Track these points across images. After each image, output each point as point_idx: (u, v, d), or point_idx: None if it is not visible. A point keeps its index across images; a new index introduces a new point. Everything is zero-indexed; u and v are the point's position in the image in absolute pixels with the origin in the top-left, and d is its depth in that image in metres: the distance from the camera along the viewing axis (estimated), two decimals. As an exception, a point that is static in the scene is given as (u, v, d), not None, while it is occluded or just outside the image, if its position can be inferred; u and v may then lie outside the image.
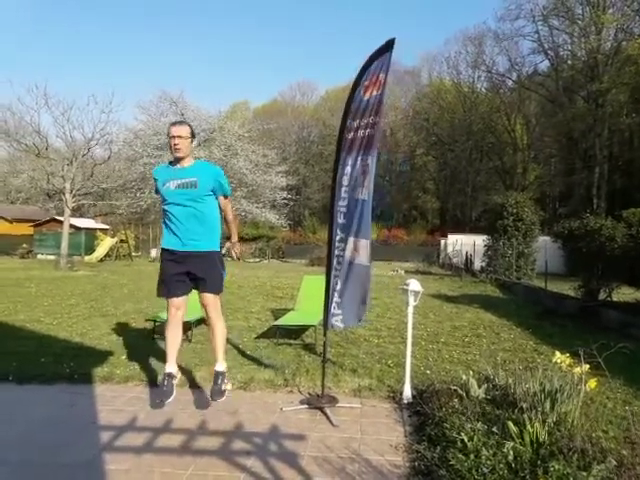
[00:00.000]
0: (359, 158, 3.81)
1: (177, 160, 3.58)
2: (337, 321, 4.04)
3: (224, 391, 3.47)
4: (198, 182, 3.51)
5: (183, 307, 3.64)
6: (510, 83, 42.66)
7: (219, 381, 3.52)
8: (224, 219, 3.84)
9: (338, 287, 3.96)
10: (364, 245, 3.82)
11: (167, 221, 3.60)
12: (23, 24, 76.47)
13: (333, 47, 79.15)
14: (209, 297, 3.63)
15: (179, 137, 3.49)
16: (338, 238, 3.94)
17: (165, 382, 3.54)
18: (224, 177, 3.69)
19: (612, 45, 32.43)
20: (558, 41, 36.91)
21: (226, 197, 3.79)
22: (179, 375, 3.65)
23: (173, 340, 3.64)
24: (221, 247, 3.77)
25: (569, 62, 36.50)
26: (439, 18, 73.84)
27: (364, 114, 3.78)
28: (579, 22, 33.74)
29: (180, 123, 3.67)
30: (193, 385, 4.26)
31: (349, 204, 3.87)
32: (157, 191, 3.69)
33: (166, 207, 3.58)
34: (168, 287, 3.60)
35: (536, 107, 42.00)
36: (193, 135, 3.63)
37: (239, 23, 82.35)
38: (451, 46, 48.16)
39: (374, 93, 3.73)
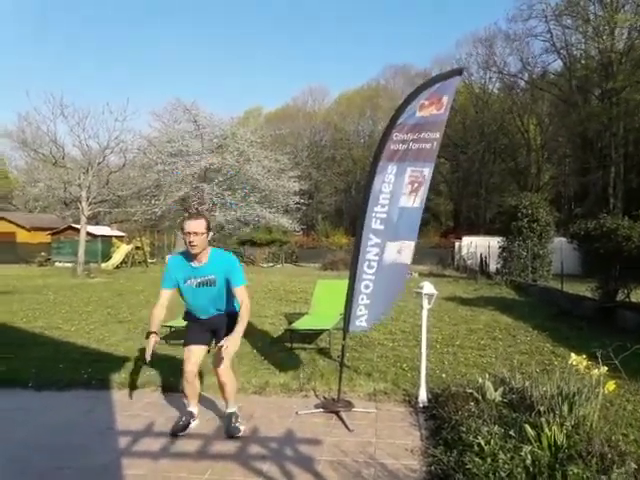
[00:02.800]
0: (408, 168, 3.95)
1: (193, 255, 3.47)
2: (361, 322, 4.08)
3: (239, 429, 3.45)
4: (216, 280, 3.49)
5: (200, 359, 3.57)
6: (522, 83, 42.33)
7: (232, 421, 3.48)
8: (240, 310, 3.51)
9: (368, 290, 4.01)
10: (408, 246, 4.04)
11: (189, 306, 3.67)
12: (37, 33, 77.94)
13: (345, 52, 79.30)
14: (222, 352, 3.34)
15: (195, 234, 3.36)
16: (372, 243, 3.98)
17: (183, 418, 3.53)
18: (238, 269, 3.55)
19: (625, 44, 32.02)
20: (571, 40, 36.56)
21: (240, 287, 3.54)
22: (197, 421, 3.61)
23: (192, 392, 3.62)
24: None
25: (582, 61, 36.10)
26: (450, 20, 73.59)
27: (421, 129, 3.94)
28: (592, 22, 33.39)
29: (195, 217, 3.50)
30: (207, 390, 4.29)
31: (391, 211, 3.96)
32: (167, 281, 3.57)
33: (188, 300, 3.62)
34: (191, 339, 3.61)
35: (549, 107, 41.55)
36: (209, 229, 3.49)
37: (251, 30, 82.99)
38: (462, 48, 47.80)
39: (434, 112, 3.93)
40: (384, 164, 3.97)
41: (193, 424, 3.54)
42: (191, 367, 3.48)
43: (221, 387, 3.55)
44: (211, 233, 3.55)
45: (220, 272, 3.51)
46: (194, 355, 3.51)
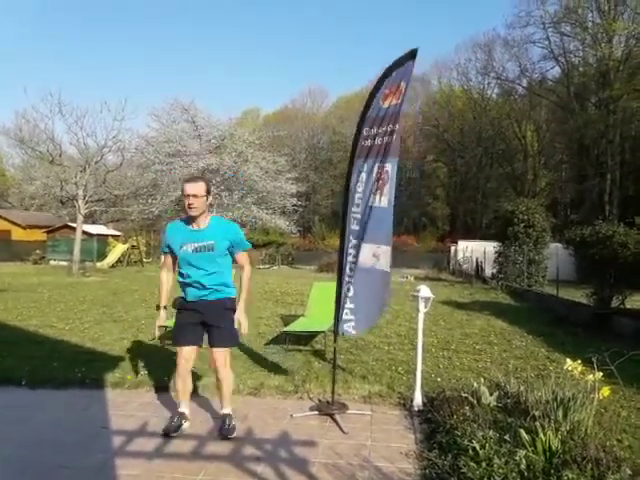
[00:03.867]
0: (376, 165, 3.82)
1: (192, 218, 3.41)
2: (349, 327, 4.02)
3: (234, 430, 3.43)
4: (215, 245, 3.39)
5: (192, 360, 3.53)
6: (520, 89, 42.54)
7: (227, 422, 3.46)
8: (241, 275, 3.57)
9: (350, 293, 3.94)
10: (384, 251, 3.83)
11: (183, 277, 3.51)
12: (37, 32, 77.77)
13: (344, 54, 79.47)
14: (220, 352, 3.46)
15: (194, 196, 3.31)
16: (351, 245, 3.93)
17: (175, 419, 3.47)
18: (241, 234, 3.54)
19: (623, 52, 32.21)
20: (569, 47, 36.78)
21: (245, 252, 3.59)
22: (189, 422, 3.58)
23: (184, 388, 3.57)
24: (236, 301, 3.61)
25: (580, 68, 36.32)
26: (449, 25, 73.95)
27: (382, 122, 3.82)
28: (590, 29, 33.60)
29: (195, 180, 3.43)
30: (203, 392, 4.28)
31: (363, 211, 3.87)
32: (167, 248, 3.54)
33: (183, 268, 3.49)
34: (180, 335, 3.52)
35: (547, 113, 41.75)
36: (209, 192, 3.43)
37: (250, 31, 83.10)
38: (461, 53, 48.08)
39: (393, 102, 3.79)
40: (357, 162, 3.89)
41: (185, 425, 3.51)
42: (184, 362, 3.45)
43: (219, 384, 3.52)
44: (210, 197, 3.50)
45: (220, 238, 3.41)
46: (185, 355, 3.48)
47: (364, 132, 3.88)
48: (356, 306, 3.96)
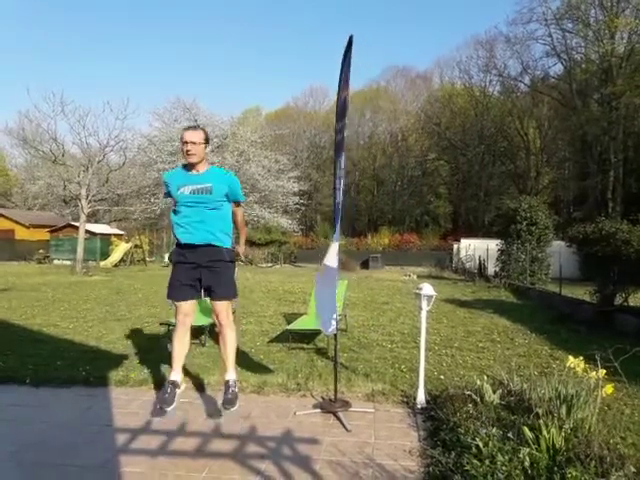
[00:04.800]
0: (343, 160, 3.83)
1: (191, 165, 3.52)
2: (319, 325, 4.07)
3: (236, 400, 3.44)
4: (213, 188, 3.45)
5: (192, 313, 3.57)
6: (522, 87, 42.41)
7: (230, 390, 3.47)
8: (235, 225, 3.78)
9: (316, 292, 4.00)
10: (335, 247, 3.81)
11: (180, 222, 3.52)
12: (39, 32, 77.90)
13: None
14: (221, 304, 3.56)
15: (192, 143, 3.42)
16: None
17: (168, 390, 3.46)
18: (238, 183, 3.64)
19: (626, 48, 32.08)
20: (571, 44, 36.63)
21: (238, 204, 3.74)
22: (184, 385, 3.59)
23: (180, 347, 3.57)
24: (234, 253, 3.73)
25: (582, 65, 36.17)
26: (450, 23, 73.73)
27: (343, 115, 3.83)
28: (592, 25, 33.46)
29: (194, 128, 3.57)
30: (207, 389, 4.29)
31: (335, 207, 3.90)
32: (168, 194, 3.62)
33: (180, 209, 3.52)
34: (177, 292, 3.53)
35: (549, 110, 41.60)
36: (207, 140, 3.55)
37: (252, 30, 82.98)
38: (462, 50, 47.94)
39: (345, 94, 3.80)
40: (337, 158, 3.88)
41: (179, 392, 3.50)
42: (183, 316, 3.47)
43: (222, 340, 3.54)
44: (209, 146, 3.60)
45: (217, 182, 3.49)
46: (185, 308, 3.51)
47: (337, 127, 3.90)
48: (317, 304, 4.02)
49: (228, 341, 3.56)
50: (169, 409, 3.40)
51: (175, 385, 3.52)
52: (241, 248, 3.95)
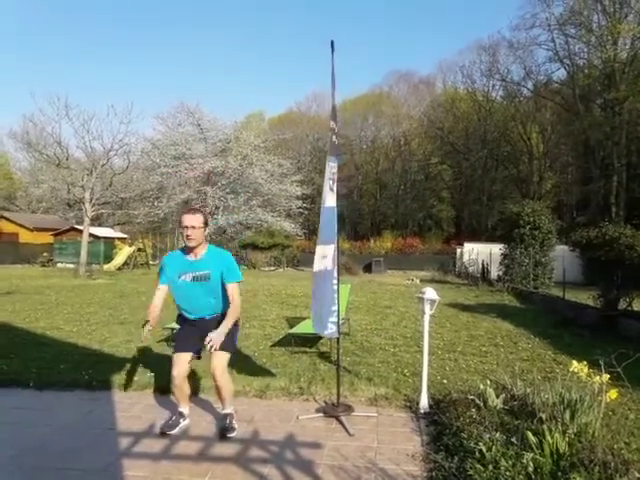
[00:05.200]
0: (333, 161, 3.86)
1: (189, 249, 3.53)
2: (317, 327, 4.03)
3: (234, 429, 3.48)
4: (211, 275, 3.51)
5: (187, 366, 3.55)
6: (525, 92, 42.42)
7: (227, 421, 3.51)
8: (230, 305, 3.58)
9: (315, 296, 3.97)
10: (331, 249, 3.83)
11: (182, 305, 3.63)
12: (43, 36, 78.37)
13: (349, 58, 79.59)
14: (217, 357, 3.44)
15: (192, 227, 3.43)
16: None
17: (173, 417, 3.55)
18: (235, 264, 3.63)
19: (629, 54, 32.07)
20: (574, 49, 36.63)
21: (236, 284, 3.60)
22: (188, 420, 3.62)
23: (181, 395, 3.62)
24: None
25: (585, 70, 36.16)
26: (454, 28, 73.90)
27: (335, 118, 3.92)
28: (595, 31, 33.47)
29: (193, 212, 3.55)
30: (209, 392, 4.28)
31: (322, 210, 3.90)
32: (163, 277, 3.60)
33: (180, 296, 3.58)
34: (179, 344, 3.60)
35: (552, 115, 41.58)
36: (206, 223, 3.58)
37: (255, 35, 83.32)
38: (465, 55, 48.09)
39: (334, 97, 3.88)
40: (329, 159, 3.88)
41: (183, 424, 3.54)
42: (178, 372, 3.48)
43: (217, 390, 3.55)
44: (208, 229, 3.62)
45: (216, 267, 3.52)
46: (181, 361, 3.51)
47: (331, 124, 3.92)
48: (313, 307, 3.99)
49: (224, 392, 3.54)
50: (170, 433, 3.43)
51: (182, 415, 3.59)
52: (217, 333, 3.34)
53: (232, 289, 3.52)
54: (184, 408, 3.63)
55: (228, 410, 3.57)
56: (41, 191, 29.20)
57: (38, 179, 31.42)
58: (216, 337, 3.28)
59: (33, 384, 4.46)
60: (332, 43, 3.85)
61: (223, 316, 3.55)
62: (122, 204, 28.68)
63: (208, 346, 3.26)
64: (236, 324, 3.64)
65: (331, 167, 3.86)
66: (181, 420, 3.55)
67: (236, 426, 3.51)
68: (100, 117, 46.73)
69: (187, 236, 3.44)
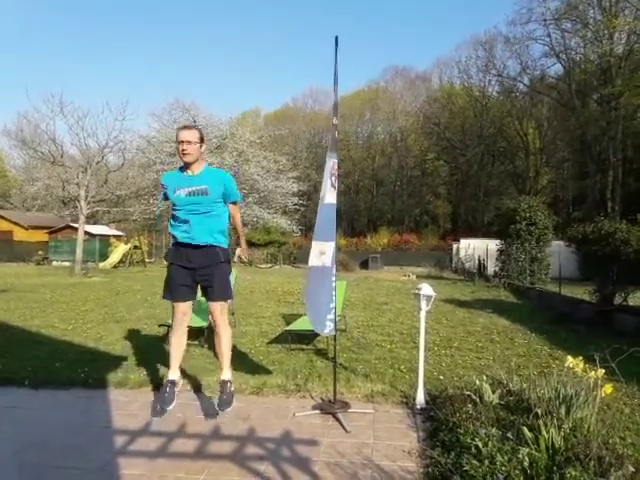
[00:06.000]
0: (333, 158, 3.84)
1: (187, 166, 3.51)
2: (312, 326, 4.03)
3: (232, 399, 3.45)
4: (209, 189, 3.46)
5: (189, 313, 3.58)
6: (521, 87, 42.46)
7: (226, 390, 3.48)
8: (233, 226, 3.79)
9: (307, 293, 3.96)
10: (330, 247, 3.81)
11: (177, 223, 3.54)
12: (38, 33, 77.85)
13: (345, 53, 79.34)
14: (216, 305, 3.56)
15: (187, 142, 3.41)
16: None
17: (167, 389, 3.49)
18: (234, 183, 3.64)
19: (624, 49, 32.11)
20: (570, 44, 36.69)
21: (235, 203, 3.73)
22: (181, 382, 3.61)
23: (178, 346, 3.59)
24: (229, 253, 3.71)
25: (581, 65, 36.20)
26: (450, 23, 73.82)
27: (335, 113, 3.90)
28: (591, 26, 33.47)
29: (188, 127, 3.57)
30: (206, 390, 4.28)
31: (320, 207, 3.87)
32: (165, 197, 3.63)
33: (177, 213, 3.52)
34: (174, 292, 3.54)
35: (548, 111, 41.68)
36: (202, 140, 3.54)
37: (251, 30, 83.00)
38: (462, 51, 47.98)
39: (334, 93, 3.86)
40: (330, 155, 3.85)
41: (177, 390, 3.54)
42: (181, 315, 3.47)
43: (217, 340, 3.54)
44: (204, 145, 3.58)
45: (213, 184, 3.49)
46: (180, 310, 3.51)
47: (334, 120, 3.90)
48: (309, 305, 3.97)
49: (223, 340, 3.57)
50: (169, 408, 3.41)
51: (174, 384, 3.56)
52: (242, 250, 3.89)
53: (234, 208, 3.66)
54: (174, 374, 3.59)
55: (226, 376, 3.54)
56: (36, 189, 29.02)
57: (33, 177, 31.24)
58: (246, 252, 3.84)
59: (28, 383, 4.44)
60: (336, 39, 3.80)
61: (213, 249, 3.50)
62: (117, 202, 28.56)
63: (242, 259, 3.81)
64: (229, 263, 3.68)
65: (333, 163, 3.84)
66: (175, 389, 3.51)
67: (233, 396, 3.48)
68: (95, 114, 46.44)
69: (183, 151, 3.42)
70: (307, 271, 3.93)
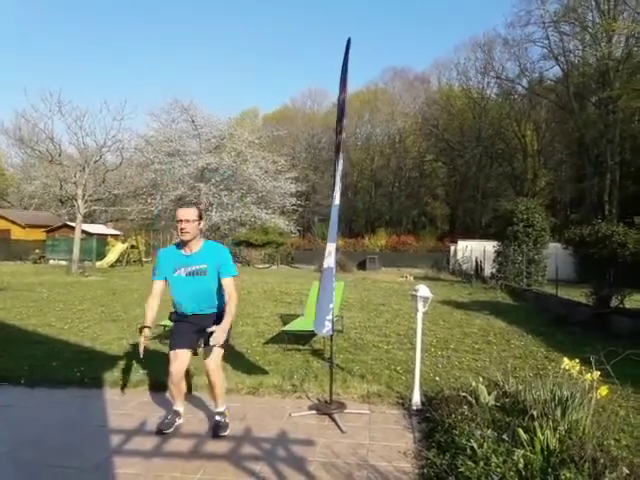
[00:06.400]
0: (341, 161, 3.84)
1: (184, 243, 3.50)
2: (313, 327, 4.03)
3: (227, 427, 3.47)
4: (207, 269, 3.47)
5: (186, 363, 3.55)
6: (520, 89, 42.52)
7: (221, 420, 3.49)
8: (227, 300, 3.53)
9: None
10: (333, 248, 3.83)
11: (178, 301, 3.58)
12: (37, 32, 77.71)
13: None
14: (210, 352, 3.45)
15: (186, 221, 3.40)
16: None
17: (169, 417, 3.54)
18: (230, 258, 3.60)
19: (623, 52, 32.18)
20: (569, 47, 36.74)
21: (230, 279, 3.57)
22: (183, 419, 3.61)
23: (178, 392, 3.61)
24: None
25: (580, 68, 36.27)
26: (449, 25, 73.91)
27: (342, 116, 3.88)
28: (590, 29, 33.56)
29: (188, 205, 3.53)
30: (202, 390, 4.27)
31: (330, 210, 3.90)
32: (159, 273, 3.57)
33: (176, 290, 3.54)
34: (176, 340, 3.57)
35: (546, 113, 41.72)
36: (201, 217, 3.53)
37: (250, 30, 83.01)
38: (460, 52, 48.04)
39: (344, 96, 3.85)
40: (337, 158, 3.86)
41: (178, 422, 3.55)
42: (177, 369, 3.47)
43: (211, 386, 3.54)
44: (203, 222, 3.57)
45: (211, 261, 3.49)
46: (179, 358, 3.49)
47: (344, 123, 3.91)
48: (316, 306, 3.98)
49: (217, 387, 3.53)
50: (166, 432, 3.42)
51: (177, 414, 3.58)
52: (220, 330, 3.30)
53: (228, 284, 3.48)
54: (179, 407, 3.63)
55: (221, 408, 3.56)
56: (33, 187, 28.98)
57: (30, 175, 31.20)
58: (219, 334, 3.24)
59: (25, 381, 4.44)
60: (348, 41, 3.74)
61: (218, 313, 3.53)
62: (115, 201, 28.52)
63: (211, 342, 3.22)
64: None
65: (343, 165, 3.84)
66: (177, 419, 3.54)
67: (229, 424, 3.51)
68: (93, 113, 46.62)
69: (182, 229, 3.41)
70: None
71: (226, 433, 3.41)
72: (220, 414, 3.52)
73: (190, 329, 3.53)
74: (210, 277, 3.49)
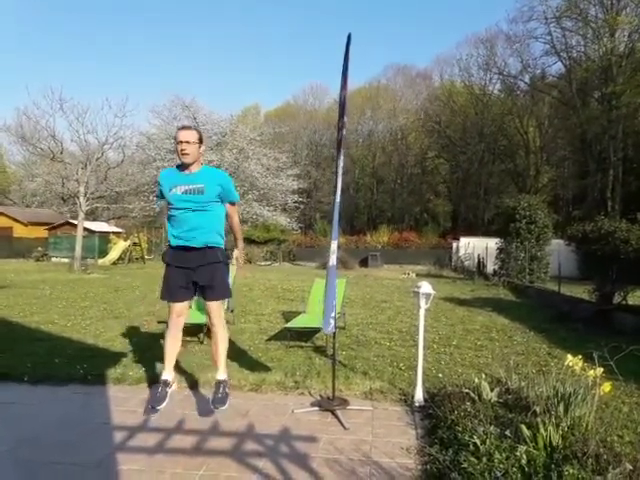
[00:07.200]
0: (342, 158, 3.81)
1: (185, 165, 3.49)
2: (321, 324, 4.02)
3: (226, 399, 3.46)
4: (205, 188, 3.43)
5: (185, 313, 3.58)
6: (522, 85, 42.40)
7: (220, 389, 3.48)
8: (230, 226, 3.74)
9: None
10: (335, 245, 3.83)
11: (173, 223, 3.53)
12: (38, 30, 77.66)
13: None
14: (213, 305, 3.56)
15: (187, 142, 3.40)
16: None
17: (159, 389, 3.50)
18: (232, 183, 3.61)
19: (626, 47, 32.04)
20: (571, 43, 36.62)
21: (234, 204, 3.70)
22: (175, 382, 3.61)
23: (172, 347, 3.59)
24: (227, 255, 3.69)
25: (582, 64, 36.13)
26: (451, 21, 73.62)
27: (343, 113, 3.86)
28: (592, 24, 33.41)
29: (188, 128, 3.55)
30: (205, 386, 4.28)
31: (333, 206, 3.88)
32: (160, 195, 3.60)
33: (172, 212, 3.51)
34: (171, 293, 3.55)
35: (549, 109, 41.60)
36: (201, 140, 3.52)
37: (251, 28, 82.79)
38: (463, 48, 47.86)
39: (344, 92, 3.81)
40: (339, 155, 3.83)
41: (170, 391, 3.53)
42: (176, 316, 3.47)
43: (214, 339, 3.54)
44: (203, 146, 3.57)
45: (210, 183, 3.47)
46: (179, 308, 3.51)
47: (345, 120, 3.88)
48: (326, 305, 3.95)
49: (219, 341, 3.56)
50: (160, 407, 3.42)
51: (167, 384, 3.55)
52: (239, 251, 3.83)
53: (232, 209, 3.62)
54: (168, 374, 3.59)
55: (222, 376, 3.54)
56: (35, 185, 29.04)
57: (32, 173, 31.27)
58: (240, 256, 3.79)
59: (27, 378, 4.44)
60: (349, 37, 3.72)
61: (211, 250, 3.50)
62: (117, 198, 28.54)
63: (236, 263, 3.76)
64: (226, 263, 3.66)
65: (343, 162, 3.82)
66: (167, 389, 3.51)
67: (228, 395, 3.49)
68: (95, 110, 46.48)
69: (182, 151, 3.41)
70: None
71: (224, 407, 3.40)
72: (220, 383, 3.51)
73: (181, 276, 3.50)
74: (207, 198, 3.44)
